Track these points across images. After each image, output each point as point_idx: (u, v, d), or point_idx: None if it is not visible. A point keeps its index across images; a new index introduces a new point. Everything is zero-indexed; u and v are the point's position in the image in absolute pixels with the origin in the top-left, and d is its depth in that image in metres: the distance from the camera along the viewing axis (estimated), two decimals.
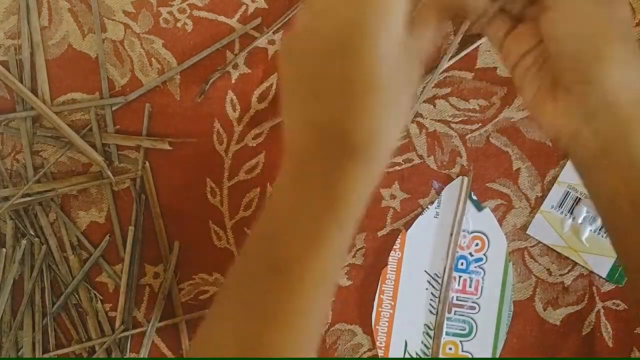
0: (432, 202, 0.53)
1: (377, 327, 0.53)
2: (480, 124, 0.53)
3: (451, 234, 0.53)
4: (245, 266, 0.39)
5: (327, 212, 0.37)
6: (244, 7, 0.53)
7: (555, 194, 0.53)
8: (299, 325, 0.36)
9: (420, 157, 0.53)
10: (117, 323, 0.53)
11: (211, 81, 0.52)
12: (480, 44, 0.52)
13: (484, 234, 0.53)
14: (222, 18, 0.53)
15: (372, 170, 0.37)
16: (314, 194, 0.37)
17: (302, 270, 0.36)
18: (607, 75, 0.36)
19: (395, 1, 0.35)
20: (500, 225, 0.53)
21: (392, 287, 0.53)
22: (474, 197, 0.53)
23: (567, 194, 0.53)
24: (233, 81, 0.53)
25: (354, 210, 0.38)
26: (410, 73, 0.37)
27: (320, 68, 0.37)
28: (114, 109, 0.53)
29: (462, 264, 0.53)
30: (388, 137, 0.37)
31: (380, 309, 0.54)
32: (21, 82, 0.52)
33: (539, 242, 0.53)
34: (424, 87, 0.53)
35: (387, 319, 0.54)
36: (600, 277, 0.53)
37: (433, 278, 0.54)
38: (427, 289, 0.54)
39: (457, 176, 0.53)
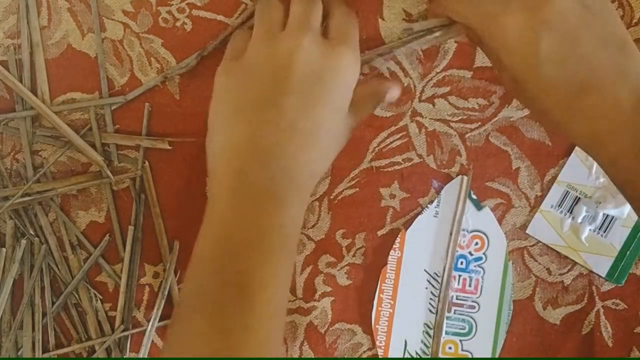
0: (431, 201, 0.53)
1: (376, 326, 0.53)
2: (479, 123, 0.53)
3: (451, 233, 0.53)
4: (201, 282, 0.40)
5: (269, 218, 0.39)
6: (243, 6, 0.53)
7: (554, 193, 0.53)
8: (262, 330, 0.38)
9: (420, 156, 0.53)
10: (117, 323, 0.53)
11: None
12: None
13: (483, 233, 0.53)
14: (221, 17, 0.53)
15: (302, 198, 0.43)
16: (253, 209, 0.40)
17: (254, 280, 0.38)
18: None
19: (354, 69, 0.44)
20: (500, 224, 0.53)
21: (392, 286, 0.53)
22: (474, 196, 0.53)
23: (566, 193, 0.53)
24: None
25: (296, 217, 0.41)
26: (344, 140, 0.46)
27: (261, 100, 0.43)
28: (113, 108, 0.53)
29: (461, 263, 0.53)
30: (316, 178, 0.45)
31: (380, 309, 0.54)
32: (20, 82, 0.52)
33: (539, 241, 0.53)
34: (424, 87, 0.53)
35: (386, 319, 0.54)
36: (600, 276, 0.53)
37: (433, 277, 0.54)
38: (426, 288, 0.54)
39: (457, 175, 0.53)
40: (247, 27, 0.52)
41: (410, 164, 0.53)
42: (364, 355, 0.54)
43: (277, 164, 0.41)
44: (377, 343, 0.54)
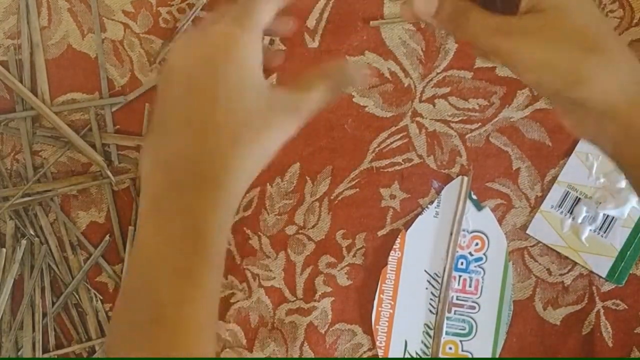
0: (432, 202, 0.53)
1: (377, 326, 0.53)
2: (479, 124, 0.53)
3: (451, 234, 0.53)
4: (126, 319, 0.39)
5: (192, 247, 0.37)
6: None
7: (555, 193, 0.53)
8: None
9: (420, 156, 0.53)
10: None
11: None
12: None
13: (483, 233, 0.53)
14: None
15: (227, 203, 0.38)
16: (173, 232, 0.38)
17: (178, 315, 0.36)
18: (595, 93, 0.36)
19: (248, 45, 0.37)
20: (500, 224, 0.53)
21: (392, 286, 0.53)
22: (474, 197, 0.53)
23: (566, 193, 0.53)
24: None
25: (217, 241, 0.38)
26: (282, 121, 0.38)
27: (181, 104, 0.38)
28: (113, 109, 0.53)
29: (462, 263, 0.53)
30: (242, 172, 0.38)
31: (380, 309, 0.54)
32: (21, 82, 0.52)
33: (539, 241, 0.53)
34: (424, 87, 0.53)
35: (387, 319, 0.54)
36: (600, 277, 0.53)
37: (433, 278, 0.54)
38: (427, 288, 0.54)
39: (457, 176, 0.53)
40: None
41: (410, 164, 0.53)
42: (364, 356, 0.54)
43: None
44: (377, 343, 0.54)
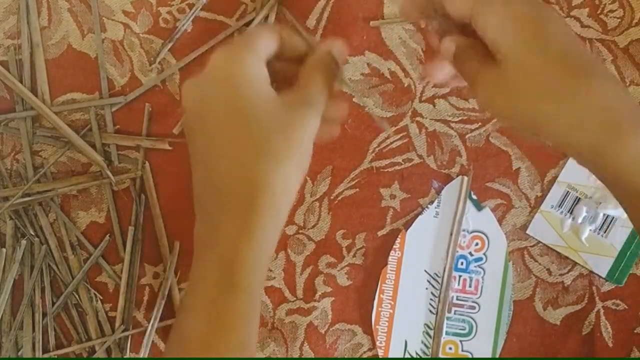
0: (432, 202, 0.53)
1: (377, 326, 0.53)
2: (480, 124, 0.53)
3: (451, 234, 0.53)
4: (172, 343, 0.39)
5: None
6: (243, 6, 0.53)
7: (555, 193, 0.53)
8: None
9: (420, 156, 0.53)
10: (117, 323, 0.53)
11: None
12: None
13: (483, 233, 0.53)
14: (221, 18, 0.53)
15: (262, 227, 0.37)
16: (208, 267, 0.38)
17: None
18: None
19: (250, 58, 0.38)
20: (500, 224, 0.53)
21: (392, 286, 0.53)
22: (474, 197, 0.53)
23: (567, 193, 0.53)
24: None
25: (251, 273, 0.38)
26: (301, 118, 0.38)
27: (200, 141, 0.39)
28: (113, 109, 0.53)
29: (462, 263, 0.53)
30: (276, 185, 0.37)
31: (380, 309, 0.54)
32: (21, 82, 0.52)
33: (539, 241, 0.53)
34: (424, 87, 0.53)
35: (387, 319, 0.54)
36: (600, 277, 0.53)
37: (433, 278, 0.54)
38: (427, 288, 0.54)
39: (457, 176, 0.53)
40: None
41: (410, 164, 0.53)
42: (364, 356, 0.54)
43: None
44: (377, 343, 0.54)
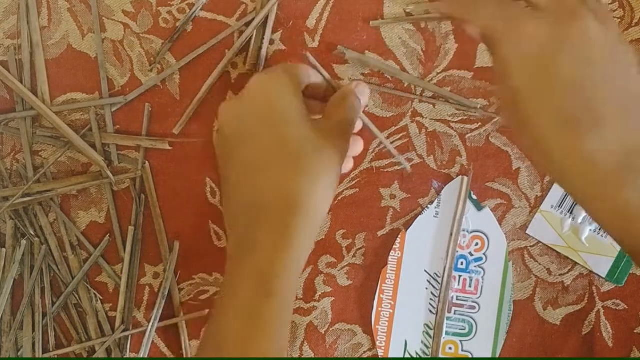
0: (432, 202, 0.53)
1: (377, 326, 0.53)
2: (479, 124, 0.53)
3: (451, 234, 0.53)
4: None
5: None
6: (243, 6, 0.53)
7: (555, 193, 0.53)
8: None
9: (420, 156, 0.53)
10: (117, 323, 0.53)
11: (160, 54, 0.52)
12: None
13: (483, 233, 0.53)
14: (221, 18, 0.53)
15: (297, 242, 0.40)
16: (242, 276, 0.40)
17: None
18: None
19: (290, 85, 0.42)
20: (500, 224, 0.53)
21: (392, 286, 0.53)
22: (474, 197, 0.53)
23: (566, 193, 0.53)
24: (232, 81, 0.53)
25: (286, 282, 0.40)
26: (333, 141, 0.42)
27: (237, 157, 0.42)
28: (113, 109, 0.53)
29: (462, 263, 0.53)
30: (312, 203, 0.41)
31: (380, 309, 0.54)
32: (21, 82, 0.52)
33: (539, 241, 0.53)
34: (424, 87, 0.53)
35: (387, 319, 0.54)
36: (600, 277, 0.53)
37: (433, 278, 0.54)
38: (427, 288, 0.54)
39: (457, 176, 0.53)
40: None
41: (410, 164, 0.53)
42: (364, 356, 0.54)
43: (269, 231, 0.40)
44: (377, 343, 0.54)
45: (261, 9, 0.52)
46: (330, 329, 0.54)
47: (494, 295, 0.53)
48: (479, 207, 0.53)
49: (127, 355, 0.53)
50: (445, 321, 0.53)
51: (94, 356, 0.53)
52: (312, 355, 0.54)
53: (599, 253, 0.53)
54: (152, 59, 0.53)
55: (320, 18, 0.53)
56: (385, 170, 0.53)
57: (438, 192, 0.53)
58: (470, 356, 0.53)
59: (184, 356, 0.54)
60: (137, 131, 0.53)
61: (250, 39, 0.53)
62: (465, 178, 0.53)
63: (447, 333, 0.54)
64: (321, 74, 0.46)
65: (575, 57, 0.36)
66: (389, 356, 0.53)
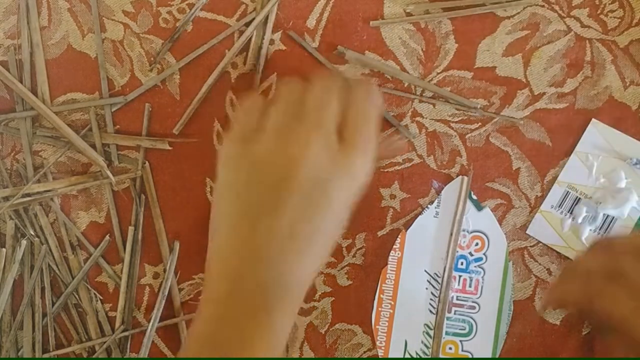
0: (432, 202, 0.53)
1: (377, 326, 0.53)
2: (479, 124, 0.53)
3: (451, 234, 0.53)
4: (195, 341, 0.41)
5: (256, 328, 0.39)
6: (243, 6, 0.53)
7: (555, 193, 0.53)
8: None
9: (420, 156, 0.53)
10: (117, 323, 0.53)
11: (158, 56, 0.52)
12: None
13: (483, 233, 0.53)
14: (221, 18, 0.53)
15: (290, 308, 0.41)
16: (239, 315, 0.40)
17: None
18: None
19: (363, 176, 0.43)
20: (500, 224, 0.53)
21: (392, 286, 0.53)
22: (474, 197, 0.53)
23: (566, 193, 0.53)
24: (232, 81, 0.53)
25: (285, 326, 0.41)
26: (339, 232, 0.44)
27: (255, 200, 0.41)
28: (113, 109, 0.53)
29: (462, 263, 0.53)
30: (307, 277, 0.42)
31: (380, 309, 0.54)
32: (21, 82, 0.53)
33: (539, 241, 0.53)
34: (423, 88, 0.53)
35: (387, 319, 0.54)
36: None
37: (433, 278, 0.54)
38: (427, 288, 0.54)
39: (457, 176, 0.53)
40: (262, 93, 0.52)
41: (410, 164, 0.53)
42: (364, 356, 0.54)
43: (272, 271, 0.40)
44: (377, 343, 0.54)
45: (261, 9, 0.52)
46: (330, 329, 0.54)
47: (494, 295, 0.53)
48: (479, 207, 0.53)
49: (127, 355, 0.53)
50: (445, 321, 0.53)
51: (94, 356, 0.53)
52: (312, 355, 0.54)
53: None
54: (152, 59, 0.53)
55: (320, 18, 0.53)
56: (385, 170, 0.53)
57: (438, 192, 0.53)
58: (470, 356, 0.53)
59: None
60: (137, 131, 0.53)
61: (250, 39, 0.53)
62: (465, 178, 0.53)
63: (447, 333, 0.54)
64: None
65: None
66: (389, 356, 0.53)
